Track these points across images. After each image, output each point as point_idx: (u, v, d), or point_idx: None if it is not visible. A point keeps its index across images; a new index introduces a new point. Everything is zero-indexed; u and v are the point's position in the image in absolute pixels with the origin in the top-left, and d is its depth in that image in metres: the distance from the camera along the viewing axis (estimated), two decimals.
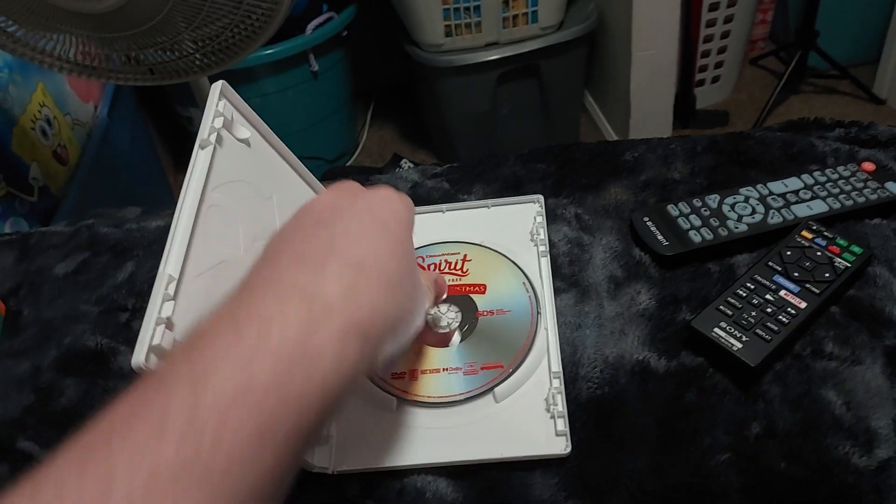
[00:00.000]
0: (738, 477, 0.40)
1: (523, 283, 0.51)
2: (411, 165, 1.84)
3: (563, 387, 0.44)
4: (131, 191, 1.40)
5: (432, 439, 0.44)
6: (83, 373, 0.48)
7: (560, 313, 0.49)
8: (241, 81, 1.59)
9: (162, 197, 1.63)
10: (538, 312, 0.49)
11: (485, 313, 0.49)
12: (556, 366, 0.45)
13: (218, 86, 0.43)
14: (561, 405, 0.43)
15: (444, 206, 0.58)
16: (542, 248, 0.53)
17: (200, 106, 1.10)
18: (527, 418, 0.44)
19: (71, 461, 0.23)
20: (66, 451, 0.24)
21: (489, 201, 0.58)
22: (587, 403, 0.44)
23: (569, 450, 0.41)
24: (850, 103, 1.96)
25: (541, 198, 0.57)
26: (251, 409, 0.25)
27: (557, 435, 0.42)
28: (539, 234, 0.54)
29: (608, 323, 0.48)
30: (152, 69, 0.96)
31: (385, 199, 0.36)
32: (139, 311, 0.52)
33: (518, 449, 0.42)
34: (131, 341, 0.50)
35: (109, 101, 1.41)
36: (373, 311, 0.30)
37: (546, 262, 0.52)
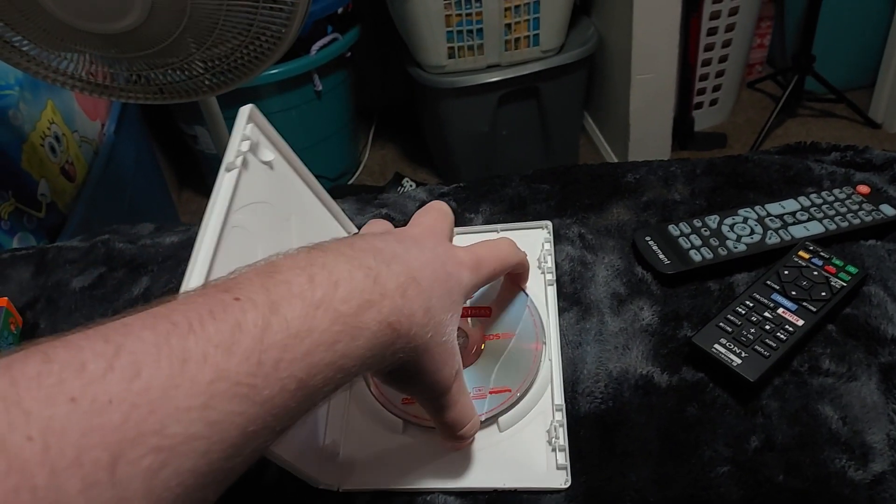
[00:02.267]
0: (738, 488, 0.41)
1: (528, 306, 0.51)
2: (413, 185, 1.86)
3: (565, 419, 0.45)
4: (136, 207, 1.42)
5: (436, 464, 0.45)
6: None
7: (562, 332, 0.51)
8: (246, 100, 1.59)
9: (165, 213, 1.64)
10: (543, 343, 0.49)
11: (492, 337, 0.50)
12: (559, 398, 0.46)
13: (246, 110, 0.45)
14: (562, 438, 0.44)
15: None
16: (549, 277, 0.53)
17: (208, 124, 1.12)
18: (529, 449, 0.45)
19: (146, 332, 0.24)
20: (140, 317, 0.25)
21: (499, 226, 0.58)
22: (590, 417, 0.46)
23: (568, 484, 0.42)
24: (847, 127, 1.99)
25: (549, 224, 0.57)
26: (304, 353, 0.28)
27: (558, 468, 0.43)
28: (546, 262, 0.54)
29: (611, 338, 0.49)
30: (162, 88, 0.98)
31: (454, 258, 0.40)
32: None
33: (519, 480, 0.43)
34: None
35: (116, 119, 1.43)
36: (410, 317, 0.33)
37: (552, 292, 0.52)
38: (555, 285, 0.53)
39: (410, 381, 0.37)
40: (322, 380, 0.29)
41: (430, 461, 0.45)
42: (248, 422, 0.25)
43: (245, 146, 0.43)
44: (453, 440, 0.42)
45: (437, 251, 0.39)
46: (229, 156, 0.42)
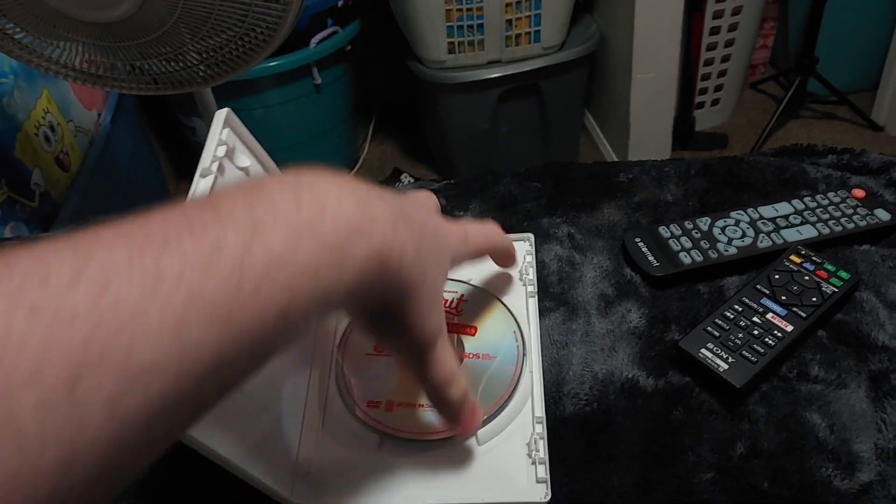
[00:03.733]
0: (723, 495, 0.41)
1: (514, 331, 0.50)
2: (412, 180, 1.85)
3: (545, 432, 0.44)
4: (131, 198, 1.41)
5: (414, 480, 0.44)
6: None
7: (547, 332, 0.50)
8: (244, 93, 1.60)
9: (162, 205, 1.63)
10: (524, 355, 0.48)
11: (471, 356, 0.49)
12: (540, 411, 0.45)
13: (222, 114, 0.44)
14: (542, 451, 0.43)
15: None
16: (530, 289, 0.52)
17: (203, 116, 1.12)
18: (508, 462, 0.44)
19: (118, 244, 0.22)
20: (113, 229, 0.23)
21: None
22: (575, 418, 0.45)
23: (548, 497, 0.41)
24: (849, 129, 1.98)
25: (531, 236, 0.56)
26: (286, 280, 0.26)
27: (538, 482, 0.42)
28: (528, 274, 0.53)
29: (598, 340, 0.49)
30: (156, 79, 0.97)
31: (443, 223, 0.39)
32: None
33: (498, 495, 0.42)
34: None
35: (112, 109, 1.42)
36: (401, 251, 0.31)
37: (534, 304, 0.51)
38: (536, 297, 0.51)
39: (395, 326, 0.35)
40: (304, 310, 0.27)
41: (408, 477, 0.44)
42: (221, 349, 0.23)
43: (221, 151, 0.42)
44: (446, 407, 0.40)
45: (428, 213, 0.38)
46: (205, 161, 0.41)
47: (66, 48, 0.90)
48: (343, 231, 0.28)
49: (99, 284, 0.21)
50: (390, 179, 1.88)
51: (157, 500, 0.43)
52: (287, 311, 0.26)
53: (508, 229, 0.57)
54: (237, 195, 0.28)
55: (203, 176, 0.40)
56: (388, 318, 0.34)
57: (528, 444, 0.44)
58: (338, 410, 0.47)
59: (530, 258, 0.54)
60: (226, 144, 0.42)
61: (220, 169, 0.42)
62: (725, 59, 1.93)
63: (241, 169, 0.45)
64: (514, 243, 0.55)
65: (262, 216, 0.26)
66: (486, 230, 0.45)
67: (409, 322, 0.35)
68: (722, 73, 1.96)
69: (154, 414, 0.22)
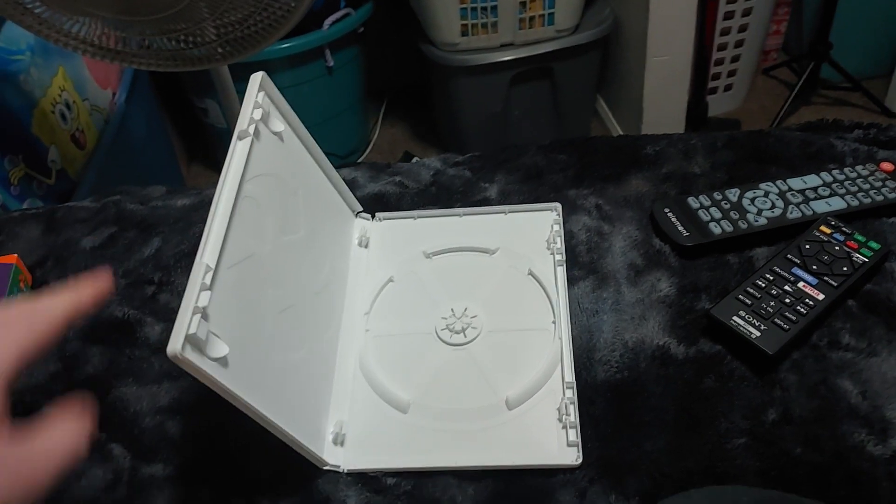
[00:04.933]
0: (755, 460, 0.41)
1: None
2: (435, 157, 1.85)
3: (575, 397, 0.44)
4: (145, 177, 1.41)
5: (444, 443, 0.44)
6: (109, 342, 0.49)
7: (577, 301, 0.50)
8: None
9: (174, 185, 1.63)
10: (553, 322, 0.48)
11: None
12: (570, 376, 0.45)
13: (258, 77, 0.44)
14: (573, 416, 0.43)
15: (461, 210, 0.57)
16: (558, 258, 0.52)
17: (219, 95, 1.11)
18: (539, 427, 0.44)
19: None
20: None
21: (506, 207, 0.57)
22: (606, 385, 0.45)
23: (580, 461, 0.42)
24: (862, 116, 1.97)
25: (558, 206, 0.56)
26: None
27: (569, 445, 0.42)
28: (556, 243, 0.53)
29: (628, 308, 0.49)
30: (174, 55, 0.97)
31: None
32: (165, 285, 0.52)
33: (529, 457, 0.43)
34: (157, 313, 0.50)
35: (127, 89, 1.42)
36: None
37: (562, 272, 0.51)
38: (564, 266, 0.52)
39: None
40: None
41: (437, 440, 0.44)
42: None
43: (257, 114, 0.42)
44: None
45: None
46: (242, 123, 0.41)
47: (84, 23, 0.89)
48: None
49: None
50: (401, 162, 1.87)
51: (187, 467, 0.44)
52: None
53: (535, 200, 0.57)
54: None
55: (241, 138, 0.40)
56: None
57: (559, 409, 0.44)
58: (370, 373, 0.47)
59: (558, 227, 0.54)
60: (261, 108, 0.42)
61: (256, 132, 0.42)
62: (739, 44, 1.91)
63: (276, 134, 0.45)
64: (540, 213, 0.55)
65: None
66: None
67: None
68: (735, 59, 1.94)
69: None
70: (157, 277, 0.53)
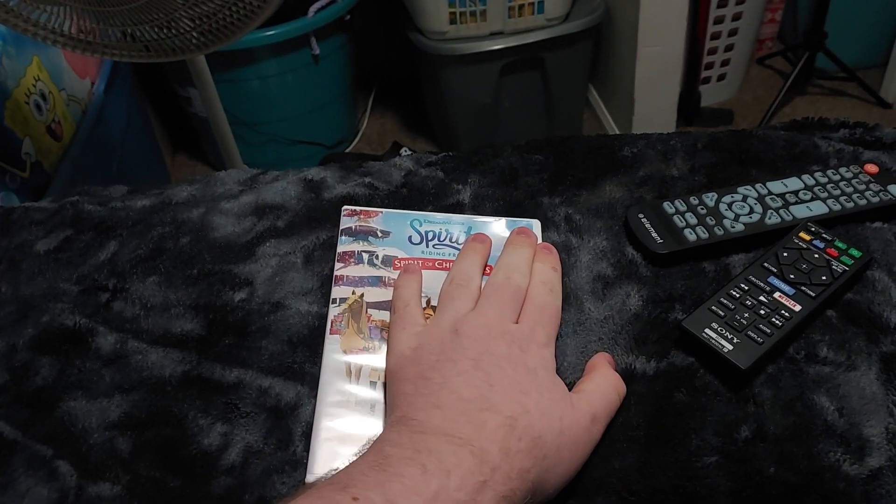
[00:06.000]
0: (727, 480, 0.39)
1: None
2: (411, 154, 1.83)
3: None
4: (125, 169, 1.39)
5: None
6: (59, 352, 0.47)
7: None
8: (240, 63, 1.57)
9: (158, 177, 1.61)
10: None
11: None
12: None
13: None
14: None
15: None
16: None
17: (196, 84, 1.09)
18: None
19: None
20: None
21: (486, 219, 0.53)
22: None
23: None
24: (857, 106, 1.95)
25: (537, 223, 0.53)
26: None
27: None
28: None
29: (596, 327, 0.47)
30: (148, 46, 0.94)
31: (533, 343, 0.41)
32: (120, 292, 0.51)
33: None
34: (110, 322, 0.49)
35: (106, 78, 1.39)
36: (522, 478, 0.34)
37: None
38: None
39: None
40: None
41: None
42: None
43: None
44: None
45: (512, 352, 0.39)
46: None
47: (55, 13, 0.87)
48: (470, 489, 0.31)
49: None
50: (389, 153, 1.85)
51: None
52: None
53: (508, 205, 0.55)
54: (366, 471, 0.31)
55: None
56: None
57: None
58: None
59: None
60: None
61: None
62: (733, 32, 1.89)
63: None
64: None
65: (395, 492, 0.30)
66: (604, 387, 0.42)
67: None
68: (729, 48, 1.92)
69: None
70: (111, 284, 0.51)
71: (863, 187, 0.53)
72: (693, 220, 0.51)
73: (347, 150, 1.98)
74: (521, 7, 1.56)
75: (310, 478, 0.40)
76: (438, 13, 1.55)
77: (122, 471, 0.41)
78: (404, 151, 1.84)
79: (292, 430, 0.42)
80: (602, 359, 0.44)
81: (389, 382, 0.40)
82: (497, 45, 1.59)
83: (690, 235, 0.50)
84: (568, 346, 0.46)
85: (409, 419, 0.35)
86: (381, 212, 0.52)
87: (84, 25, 0.90)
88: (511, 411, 0.35)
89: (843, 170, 0.55)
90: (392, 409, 0.38)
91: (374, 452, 0.33)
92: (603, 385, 0.41)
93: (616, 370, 0.44)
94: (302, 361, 0.45)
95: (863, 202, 0.52)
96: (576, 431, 0.38)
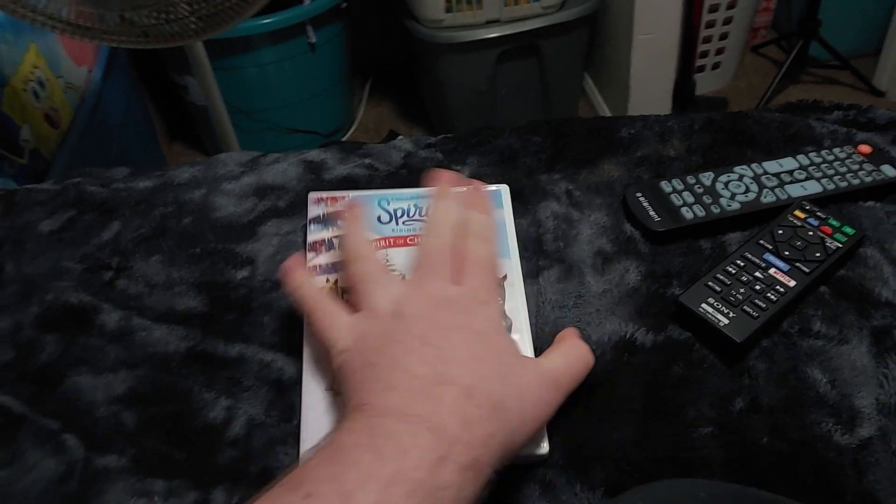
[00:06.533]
0: (721, 450, 0.40)
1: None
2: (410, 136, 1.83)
3: None
4: (123, 156, 1.39)
5: None
6: (64, 330, 0.47)
7: (542, 291, 0.49)
8: (237, 51, 1.57)
9: (154, 164, 1.61)
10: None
11: None
12: None
13: None
14: None
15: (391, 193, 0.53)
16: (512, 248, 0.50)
17: (194, 71, 1.09)
18: None
19: None
20: None
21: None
22: None
23: (547, 451, 0.40)
24: (850, 94, 1.96)
25: (506, 188, 0.53)
26: None
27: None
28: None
29: (594, 300, 0.47)
30: (146, 32, 0.94)
31: (477, 303, 0.39)
32: (123, 271, 0.51)
33: None
34: (113, 300, 0.49)
35: (104, 66, 1.39)
36: (485, 444, 0.33)
37: (517, 264, 0.49)
38: (518, 257, 0.49)
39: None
40: None
41: None
42: None
43: None
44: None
45: (457, 320, 0.38)
46: None
47: None
48: (428, 466, 0.30)
49: None
50: (386, 142, 1.85)
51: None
52: None
53: (510, 185, 0.56)
54: (319, 465, 0.30)
55: None
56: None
57: None
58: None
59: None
60: None
61: None
62: (727, 21, 1.90)
63: None
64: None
65: (350, 482, 0.29)
66: (570, 356, 0.42)
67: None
68: (723, 36, 1.93)
69: None
70: (115, 262, 0.51)
71: (856, 167, 0.54)
72: (690, 199, 0.52)
73: (344, 139, 1.98)
74: None
75: (303, 448, 0.40)
76: (435, 1, 1.55)
77: (129, 444, 0.42)
78: (400, 140, 1.85)
79: (294, 403, 0.43)
80: (571, 331, 0.44)
81: (340, 380, 0.39)
82: (493, 33, 1.59)
83: (687, 213, 0.51)
84: (568, 318, 0.47)
85: (363, 405, 0.34)
86: (348, 195, 0.52)
87: (82, 11, 0.90)
88: (467, 380, 0.35)
89: (836, 150, 0.56)
90: (347, 401, 0.36)
91: (328, 444, 0.32)
92: (570, 353, 0.41)
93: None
94: (302, 336, 0.46)
95: (856, 181, 0.53)
96: (537, 392, 0.38)
